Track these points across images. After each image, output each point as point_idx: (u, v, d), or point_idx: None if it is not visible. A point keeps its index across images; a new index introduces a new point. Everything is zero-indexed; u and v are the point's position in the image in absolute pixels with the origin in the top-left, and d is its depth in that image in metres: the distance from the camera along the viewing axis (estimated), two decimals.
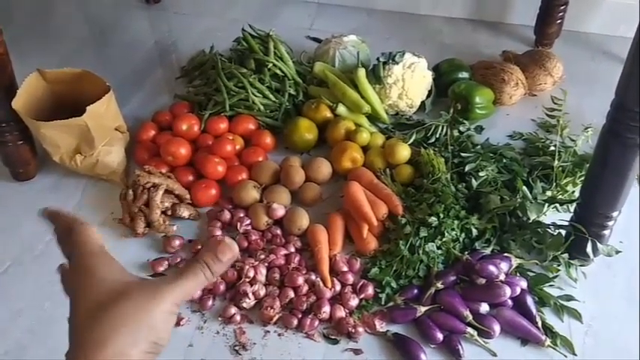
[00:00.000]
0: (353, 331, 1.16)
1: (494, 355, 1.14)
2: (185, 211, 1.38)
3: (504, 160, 1.46)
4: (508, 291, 1.17)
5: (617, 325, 1.20)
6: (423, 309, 1.18)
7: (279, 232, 1.35)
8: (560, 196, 1.38)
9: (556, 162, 1.41)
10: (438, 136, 1.52)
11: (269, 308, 1.18)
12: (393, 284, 1.23)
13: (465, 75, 1.70)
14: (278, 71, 1.65)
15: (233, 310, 1.19)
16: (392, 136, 1.56)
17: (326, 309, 1.18)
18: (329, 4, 2.15)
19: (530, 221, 1.30)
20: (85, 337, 0.43)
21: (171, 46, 1.98)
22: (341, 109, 1.56)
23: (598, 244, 1.24)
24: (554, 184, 1.39)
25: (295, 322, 1.18)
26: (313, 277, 1.24)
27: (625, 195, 1.19)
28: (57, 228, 0.51)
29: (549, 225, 1.30)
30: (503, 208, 1.31)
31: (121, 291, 0.45)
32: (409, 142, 1.49)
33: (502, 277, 1.19)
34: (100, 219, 1.40)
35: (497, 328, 1.15)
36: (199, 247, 1.32)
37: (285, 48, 1.71)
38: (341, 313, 1.19)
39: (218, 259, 0.47)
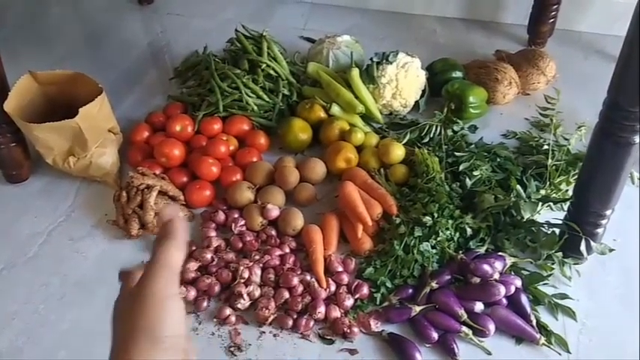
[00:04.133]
0: (348, 331, 1.16)
1: (489, 353, 1.14)
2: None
3: (498, 159, 1.46)
4: (502, 290, 1.17)
5: (611, 322, 1.21)
6: (418, 308, 1.18)
7: (273, 232, 1.34)
8: (553, 195, 1.38)
9: (550, 161, 1.42)
10: (432, 135, 1.52)
11: (264, 309, 1.18)
12: (388, 284, 1.23)
13: (458, 74, 1.70)
14: (272, 72, 1.64)
15: (228, 311, 1.19)
16: (386, 135, 1.56)
17: (321, 309, 1.18)
18: (322, 4, 2.15)
19: (525, 220, 1.30)
20: None
21: (165, 47, 1.97)
22: (335, 109, 1.56)
23: (592, 243, 1.24)
24: (548, 182, 1.40)
25: (290, 322, 1.18)
26: (308, 277, 1.24)
27: (618, 193, 1.19)
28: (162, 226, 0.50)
29: (543, 224, 1.31)
30: (497, 207, 1.31)
31: None
32: (403, 142, 1.49)
33: (496, 276, 1.19)
34: (93, 221, 1.40)
35: (491, 326, 1.16)
36: (193, 248, 1.31)
37: (278, 48, 1.71)
38: (336, 313, 1.19)
39: None
